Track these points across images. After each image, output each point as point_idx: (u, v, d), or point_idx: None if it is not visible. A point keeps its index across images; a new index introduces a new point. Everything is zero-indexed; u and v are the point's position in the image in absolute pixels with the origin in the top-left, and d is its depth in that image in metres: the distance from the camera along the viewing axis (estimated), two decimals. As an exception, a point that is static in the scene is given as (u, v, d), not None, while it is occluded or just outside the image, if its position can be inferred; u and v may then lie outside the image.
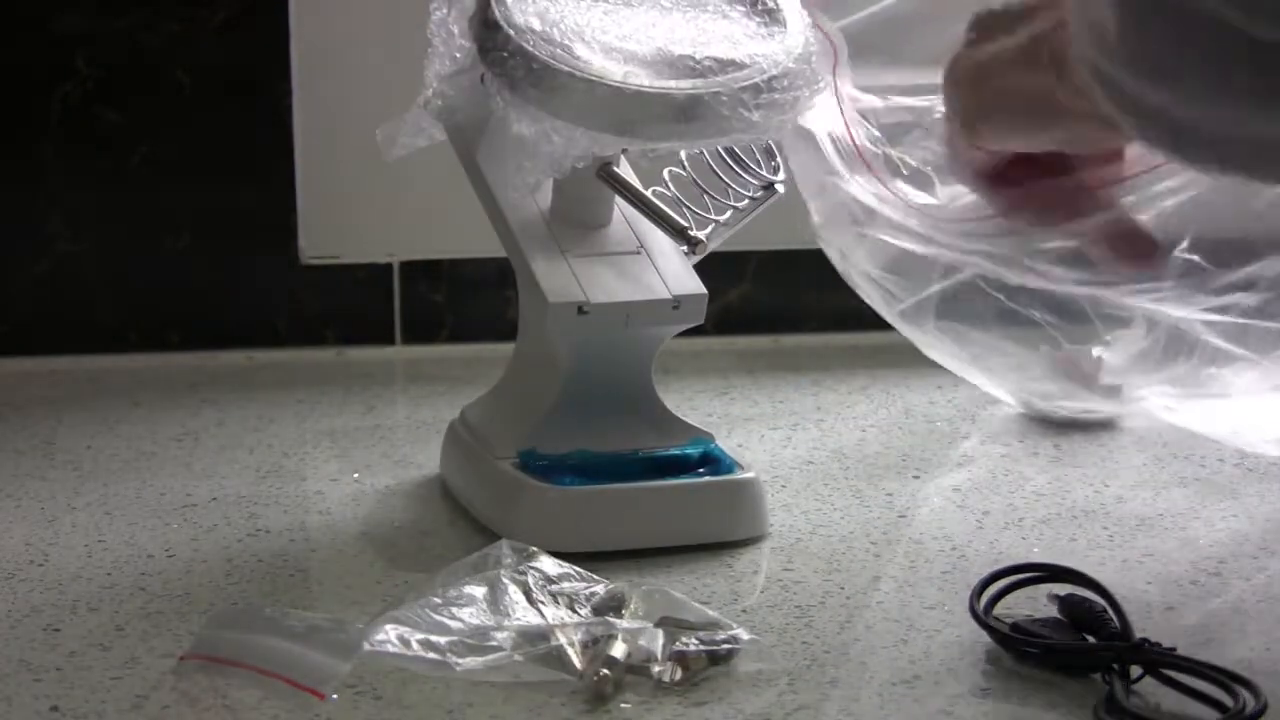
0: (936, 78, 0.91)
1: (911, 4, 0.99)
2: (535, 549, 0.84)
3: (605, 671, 0.77)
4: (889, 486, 1.01)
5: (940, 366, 1.09)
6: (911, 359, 1.09)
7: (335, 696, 0.77)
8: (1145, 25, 0.72)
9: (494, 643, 0.78)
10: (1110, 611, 0.80)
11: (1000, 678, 0.79)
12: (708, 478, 0.93)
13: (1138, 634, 0.79)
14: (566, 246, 0.94)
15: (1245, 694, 0.74)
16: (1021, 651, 0.80)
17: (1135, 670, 0.77)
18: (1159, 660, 0.77)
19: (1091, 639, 0.80)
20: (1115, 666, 0.77)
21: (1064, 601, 0.82)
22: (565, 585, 0.82)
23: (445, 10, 0.94)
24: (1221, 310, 0.89)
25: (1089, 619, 0.80)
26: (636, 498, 0.92)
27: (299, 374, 1.22)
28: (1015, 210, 0.90)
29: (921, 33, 0.97)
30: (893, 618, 0.85)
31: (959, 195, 0.94)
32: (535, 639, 0.78)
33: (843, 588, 0.88)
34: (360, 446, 1.08)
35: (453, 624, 0.79)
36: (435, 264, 1.26)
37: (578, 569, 0.83)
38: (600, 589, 0.82)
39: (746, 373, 1.22)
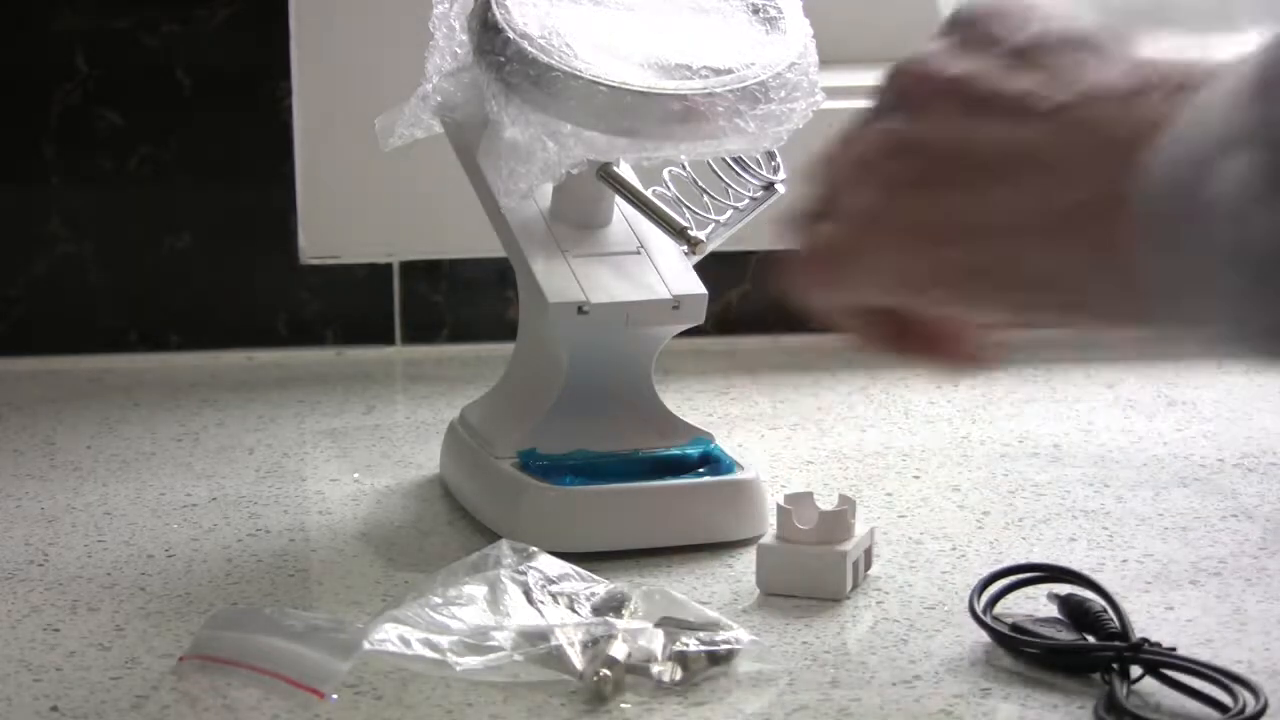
0: None
1: None
2: (535, 549, 0.84)
3: (605, 671, 0.77)
4: (889, 486, 1.01)
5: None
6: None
7: (335, 696, 0.77)
8: None
9: (494, 643, 0.78)
10: (1110, 611, 0.80)
11: (1000, 678, 0.79)
12: (708, 478, 0.93)
13: (1138, 634, 0.79)
14: (566, 246, 0.94)
15: (1245, 694, 0.74)
16: (1021, 651, 0.80)
17: (1135, 670, 0.77)
18: (1159, 660, 0.77)
19: (1091, 639, 0.80)
20: (1115, 666, 0.77)
21: (1064, 601, 0.82)
22: (565, 585, 0.82)
23: (448, 4, 0.94)
24: None
25: (1089, 619, 0.80)
26: (636, 498, 0.92)
27: (299, 374, 1.22)
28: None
29: None
30: (893, 618, 0.85)
31: None
32: (535, 639, 0.78)
33: (843, 588, 0.88)
34: (360, 446, 1.08)
35: (453, 624, 0.79)
36: (435, 264, 1.26)
37: (578, 569, 0.83)
38: (600, 589, 0.82)
39: (746, 373, 1.22)
